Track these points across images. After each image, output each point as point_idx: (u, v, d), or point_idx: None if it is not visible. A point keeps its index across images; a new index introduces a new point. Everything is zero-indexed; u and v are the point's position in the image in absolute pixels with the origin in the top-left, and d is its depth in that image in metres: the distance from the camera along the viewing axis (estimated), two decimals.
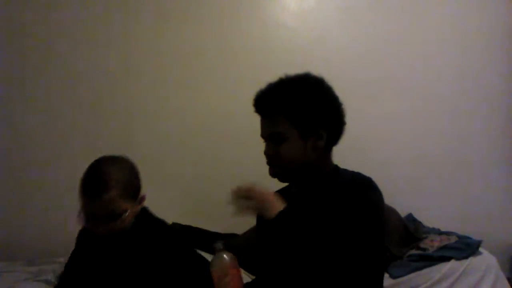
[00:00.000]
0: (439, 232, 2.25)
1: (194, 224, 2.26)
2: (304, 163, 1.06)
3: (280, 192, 1.20)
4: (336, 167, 1.16)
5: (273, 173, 1.10)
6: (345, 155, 2.69)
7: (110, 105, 2.43)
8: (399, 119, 2.59)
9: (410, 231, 2.16)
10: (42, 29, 2.39)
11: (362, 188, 1.05)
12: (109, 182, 1.08)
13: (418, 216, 2.44)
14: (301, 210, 1.02)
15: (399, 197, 2.44)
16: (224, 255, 1.01)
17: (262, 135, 1.11)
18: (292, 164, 1.06)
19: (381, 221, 1.02)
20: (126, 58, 2.44)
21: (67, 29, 2.41)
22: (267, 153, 1.09)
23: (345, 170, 1.16)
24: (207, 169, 2.41)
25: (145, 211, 1.23)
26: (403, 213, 2.32)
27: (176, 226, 2.21)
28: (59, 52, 2.40)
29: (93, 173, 1.13)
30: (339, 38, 2.57)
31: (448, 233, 2.20)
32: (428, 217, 2.44)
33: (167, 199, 2.39)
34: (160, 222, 1.25)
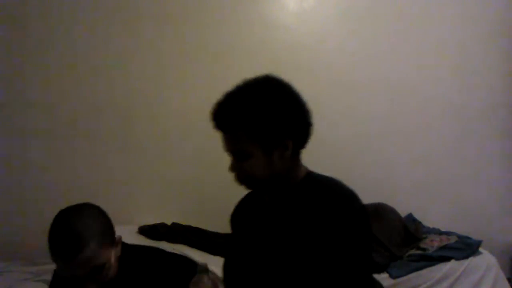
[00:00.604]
0: (439, 232, 2.25)
1: (194, 224, 2.26)
2: (272, 176, 1.01)
3: (252, 198, 1.17)
4: (308, 173, 1.09)
5: (241, 184, 1.05)
6: (345, 155, 2.71)
7: (110, 105, 2.43)
8: (399, 119, 2.59)
9: (410, 231, 2.16)
10: (42, 29, 2.39)
11: (345, 199, 1.01)
12: (81, 239, 1.00)
13: (418, 216, 2.44)
14: (284, 227, 0.99)
15: (399, 197, 2.45)
16: (205, 277, 1.02)
17: (227, 151, 1.04)
18: (259, 179, 1.01)
19: (370, 232, 1.00)
20: (126, 58, 2.44)
21: (67, 29, 2.41)
22: (231, 170, 1.03)
23: (318, 175, 1.10)
24: (207, 169, 2.41)
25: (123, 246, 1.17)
26: (403, 213, 2.32)
27: (176, 226, 2.21)
28: (59, 52, 2.40)
29: (62, 233, 1.02)
30: (339, 38, 2.57)
31: (448, 233, 2.20)
32: (428, 217, 2.44)
33: (167, 199, 2.40)
34: (141, 249, 1.22)
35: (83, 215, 1.08)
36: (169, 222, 2.22)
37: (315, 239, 0.93)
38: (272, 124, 0.97)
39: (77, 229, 1.02)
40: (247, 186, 1.05)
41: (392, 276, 1.85)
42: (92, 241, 1.01)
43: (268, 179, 1.01)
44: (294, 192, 1.04)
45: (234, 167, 1.02)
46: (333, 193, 1.02)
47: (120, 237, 1.15)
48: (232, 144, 1.01)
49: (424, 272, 1.87)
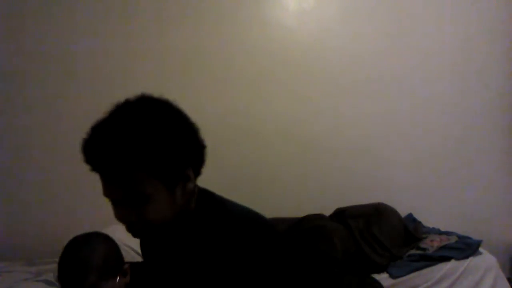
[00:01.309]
0: (439, 232, 2.25)
1: None
2: (174, 214, 0.84)
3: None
4: (200, 197, 0.92)
5: (137, 236, 0.86)
6: (345, 155, 2.71)
7: (109, 105, 2.43)
8: (399, 119, 2.59)
9: (410, 231, 2.16)
10: (42, 29, 2.39)
11: (239, 229, 0.85)
12: (81, 273, 1.07)
13: (418, 216, 2.43)
14: (180, 262, 0.88)
15: (399, 197, 2.45)
16: None
17: (108, 197, 0.83)
18: (162, 223, 0.83)
19: (273, 253, 0.84)
20: (126, 58, 2.44)
21: (67, 29, 2.41)
22: (123, 220, 0.83)
23: (210, 199, 0.93)
24: (206, 168, 2.40)
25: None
26: (403, 213, 2.32)
27: None
28: (59, 52, 2.40)
29: (65, 266, 1.12)
30: (339, 38, 2.57)
31: (448, 233, 2.20)
32: (428, 217, 2.44)
33: None
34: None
35: (88, 248, 1.12)
36: None
37: (213, 273, 0.81)
38: (169, 152, 0.79)
39: (78, 262, 1.08)
40: (147, 234, 0.86)
41: (392, 276, 1.85)
42: (91, 275, 1.06)
43: (169, 221, 0.83)
44: (188, 223, 0.88)
45: (129, 216, 0.81)
46: (229, 219, 0.87)
47: (128, 267, 1.18)
48: (124, 188, 0.79)
49: (424, 272, 1.87)
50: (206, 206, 0.90)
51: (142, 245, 1.09)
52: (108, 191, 0.82)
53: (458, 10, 2.60)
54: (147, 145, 0.77)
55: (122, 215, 0.82)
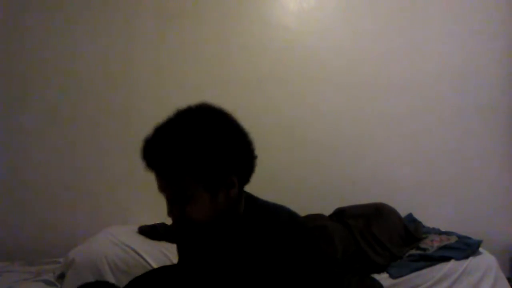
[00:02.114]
0: (439, 232, 2.25)
1: None
2: (216, 217, 0.91)
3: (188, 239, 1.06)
4: (248, 202, 0.99)
5: (180, 233, 0.97)
6: (345, 155, 2.71)
7: (109, 105, 2.43)
8: (399, 119, 2.59)
9: (410, 231, 2.16)
10: (42, 28, 2.39)
11: (290, 227, 0.94)
12: None
13: (418, 216, 2.43)
14: (236, 266, 0.92)
15: (399, 197, 2.45)
16: None
17: (161, 192, 0.93)
18: (203, 223, 0.91)
19: (320, 252, 0.95)
20: (126, 58, 2.44)
21: (67, 29, 2.41)
22: (172, 215, 0.92)
23: (258, 203, 1.01)
24: None
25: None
26: (403, 213, 2.32)
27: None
28: (59, 52, 2.40)
29: None
30: (339, 38, 2.57)
31: (448, 233, 2.20)
32: (428, 217, 2.44)
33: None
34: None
35: None
36: (168, 222, 2.22)
37: (270, 276, 0.87)
38: (218, 161, 0.87)
39: None
40: (188, 231, 0.94)
41: (392, 276, 1.85)
42: None
43: (212, 221, 0.91)
44: (238, 228, 0.94)
45: (174, 212, 0.91)
46: (278, 223, 0.94)
47: None
48: (171, 187, 0.89)
49: (424, 272, 1.87)
50: (254, 211, 0.97)
51: (182, 249, 1.09)
52: (160, 188, 0.92)
53: (458, 10, 2.61)
54: (196, 154, 0.85)
55: (168, 210, 0.92)
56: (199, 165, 0.86)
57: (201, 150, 0.86)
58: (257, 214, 0.96)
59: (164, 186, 0.91)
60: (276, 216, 0.97)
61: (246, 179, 0.97)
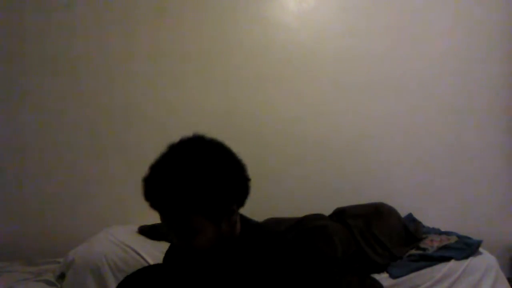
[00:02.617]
0: (439, 232, 2.25)
1: None
2: (220, 243, 0.95)
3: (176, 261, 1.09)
4: (243, 223, 1.03)
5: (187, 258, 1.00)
6: (345, 155, 2.71)
7: (109, 105, 2.43)
8: (399, 119, 2.59)
9: (410, 231, 2.16)
10: (42, 28, 2.39)
11: (287, 248, 0.99)
12: None
13: (418, 216, 2.43)
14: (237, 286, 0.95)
15: (399, 197, 2.45)
16: None
17: (165, 226, 0.97)
18: (209, 251, 0.95)
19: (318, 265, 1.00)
20: (126, 58, 2.44)
21: (67, 29, 2.41)
22: (178, 245, 0.98)
23: (252, 225, 1.05)
24: None
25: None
26: (403, 213, 2.32)
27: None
28: (59, 52, 2.41)
29: None
30: (339, 38, 2.57)
31: (448, 233, 2.20)
32: (428, 217, 2.44)
33: None
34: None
35: None
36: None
37: None
38: (218, 193, 0.90)
39: None
40: (195, 258, 0.98)
41: (392, 276, 1.85)
42: None
43: (216, 249, 0.95)
44: (237, 249, 0.98)
45: (181, 243, 0.95)
46: (275, 244, 1.00)
47: None
48: (176, 224, 0.92)
49: (424, 272, 1.87)
50: (250, 232, 1.02)
51: (185, 271, 1.10)
52: (164, 223, 0.96)
53: (458, 10, 2.61)
54: (198, 189, 0.88)
55: (175, 242, 0.97)
56: (202, 200, 0.89)
57: (202, 184, 0.88)
58: (253, 235, 1.01)
59: (170, 224, 0.94)
60: (272, 236, 1.03)
61: (243, 203, 1.00)
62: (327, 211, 2.28)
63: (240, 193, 0.98)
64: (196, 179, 0.88)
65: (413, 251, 2.03)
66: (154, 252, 1.88)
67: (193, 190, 0.88)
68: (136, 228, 2.12)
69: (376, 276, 1.84)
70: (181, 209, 0.89)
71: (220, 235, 0.94)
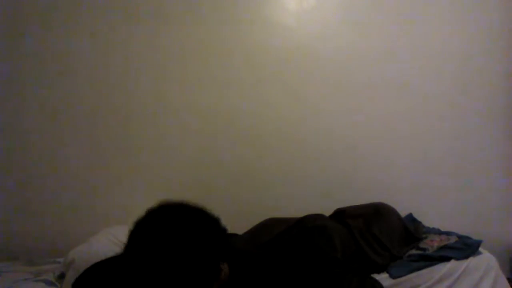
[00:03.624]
0: (439, 232, 2.24)
1: None
2: None
3: None
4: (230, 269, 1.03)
5: None
6: (345, 155, 2.70)
7: (109, 105, 2.43)
8: (398, 119, 2.59)
9: (410, 231, 2.16)
10: (42, 28, 2.39)
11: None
12: None
13: (418, 216, 2.43)
14: None
15: (399, 197, 2.45)
16: None
17: None
18: None
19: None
20: (126, 58, 2.44)
21: (66, 29, 2.41)
22: None
23: (237, 252, 1.08)
24: (206, 169, 2.41)
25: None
26: (403, 213, 2.32)
27: None
28: (58, 52, 2.41)
29: None
30: (339, 38, 2.57)
31: (448, 233, 2.20)
32: (428, 217, 2.44)
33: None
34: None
35: None
36: None
37: None
38: (204, 265, 0.90)
39: None
40: None
41: (392, 276, 1.85)
42: None
43: None
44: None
45: None
46: (263, 266, 1.06)
47: None
48: None
49: (424, 272, 1.87)
50: (238, 262, 1.03)
51: None
52: None
53: (458, 10, 2.61)
54: (185, 268, 0.86)
55: None
56: (192, 277, 0.87)
57: (189, 262, 0.87)
58: (242, 264, 1.03)
59: None
60: (258, 258, 1.09)
61: (226, 255, 1.00)
62: (327, 211, 2.28)
63: (221, 250, 0.96)
64: (178, 256, 0.87)
65: (413, 251, 2.03)
66: None
67: (178, 271, 0.86)
68: None
69: (376, 276, 1.84)
70: None
71: None
